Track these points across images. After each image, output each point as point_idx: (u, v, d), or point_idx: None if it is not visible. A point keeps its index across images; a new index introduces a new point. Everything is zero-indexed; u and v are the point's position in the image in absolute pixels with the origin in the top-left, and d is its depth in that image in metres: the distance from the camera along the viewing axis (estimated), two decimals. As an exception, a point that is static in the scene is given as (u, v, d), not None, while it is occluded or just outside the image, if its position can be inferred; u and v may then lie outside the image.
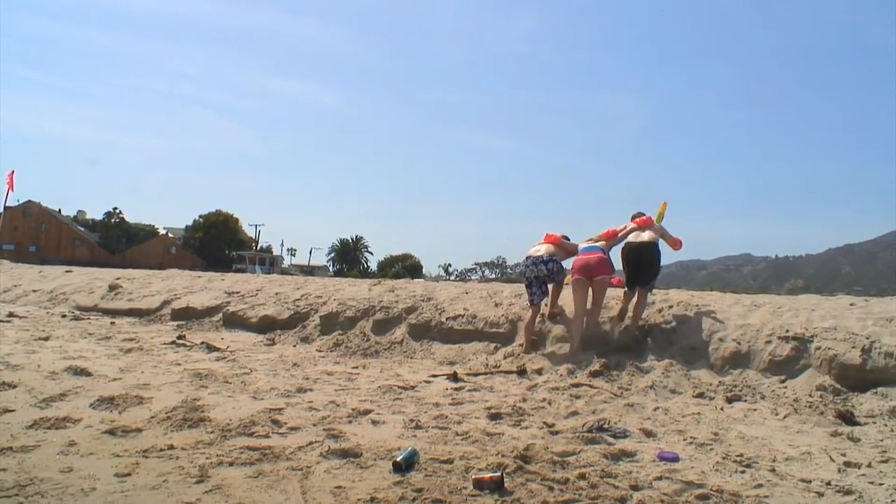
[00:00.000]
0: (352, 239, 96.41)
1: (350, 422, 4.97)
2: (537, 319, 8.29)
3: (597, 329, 7.95)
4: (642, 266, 7.99)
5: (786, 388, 6.30)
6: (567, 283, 8.43)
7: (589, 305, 7.95)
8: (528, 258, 8.44)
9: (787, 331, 6.92)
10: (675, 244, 8.32)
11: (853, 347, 6.39)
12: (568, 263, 8.38)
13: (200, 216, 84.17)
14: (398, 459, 3.84)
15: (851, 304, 7.86)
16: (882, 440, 4.86)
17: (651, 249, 8.03)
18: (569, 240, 8.61)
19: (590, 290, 7.94)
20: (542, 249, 8.40)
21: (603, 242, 8.30)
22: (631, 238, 8.16)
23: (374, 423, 4.98)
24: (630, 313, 8.01)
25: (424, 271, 76.30)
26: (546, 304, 8.47)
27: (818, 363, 6.44)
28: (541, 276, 8.23)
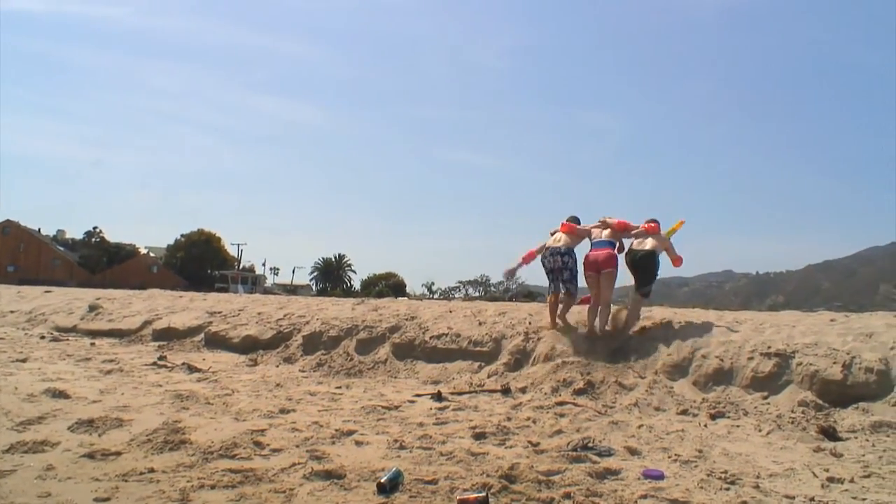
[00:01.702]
0: (335, 257, 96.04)
1: (333, 443, 4.93)
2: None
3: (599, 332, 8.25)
4: (639, 271, 8.39)
5: (768, 404, 6.32)
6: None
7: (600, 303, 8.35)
8: (547, 249, 8.83)
9: (769, 347, 6.96)
10: (676, 261, 8.62)
11: (834, 363, 6.43)
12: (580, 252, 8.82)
13: (182, 235, 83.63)
14: (382, 480, 3.81)
15: (832, 320, 7.92)
16: (864, 455, 4.89)
17: (649, 257, 8.34)
18: (579, 222, 9.05)
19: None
20: (561, 241, 8.82)
21: (609, 232, 8.67)
22: (634, 244, 8.52)
23: (358, 443, 4.94)
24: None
25: (408, 290, 76.08)
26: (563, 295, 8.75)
27: (800, 379, 6.47)
28: (556, 267, 8.66)
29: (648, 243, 8.38)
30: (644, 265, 8.34)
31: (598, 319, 8.29)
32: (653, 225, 8.56)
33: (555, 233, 9.02)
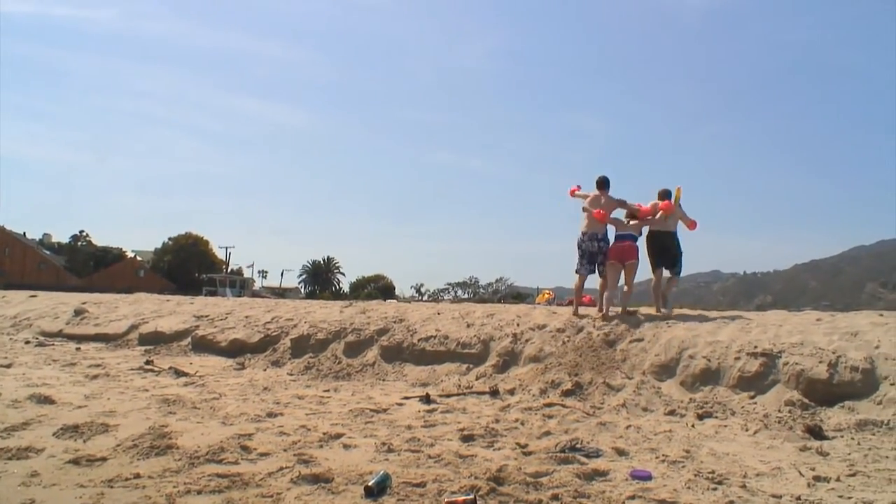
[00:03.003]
0: (323, 260, 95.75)
1: (321, 446, 4.91)
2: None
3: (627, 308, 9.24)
4: (665, 252, 9.37)
5: (755, 403, 6.35)
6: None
7: (625, 287, 9.42)
8: (584, 234, 9.50)
9: (756, 347, 7.00)
10: (691, 225, 9.50)
11: (820, 362, 6.47)
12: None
13: (170, 238, 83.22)
14: (370, 484, 3.80)
15: (818, 320, 7.97)
16: (850, 454, 4.91)
17: (671, 237, 9.40)
18: (608, 183, 9.67)
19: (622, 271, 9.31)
20: (601, 227, 9.53)
21: (636, 223, 9.52)
22: (656, 226, 9.42)
23: (346, 447, 4.93)
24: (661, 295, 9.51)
25: (397, 292, 75.86)
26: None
27: (786, 378, 6.51)
28: (593, 251, 9.42)
29: (669, 224, 9.35)
30: (668, 244, 9.34)
31: (610, 299, 9.34)
32: (668, 204, 9.33)
33: (591, 198, 9.60)
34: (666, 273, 9.49)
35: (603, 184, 9.63)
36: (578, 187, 10.07)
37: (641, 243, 9.46)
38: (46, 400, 6.28)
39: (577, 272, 9.51)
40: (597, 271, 9.43)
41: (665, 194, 9.47)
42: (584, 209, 9.52)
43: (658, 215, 9.30)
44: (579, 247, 9.46)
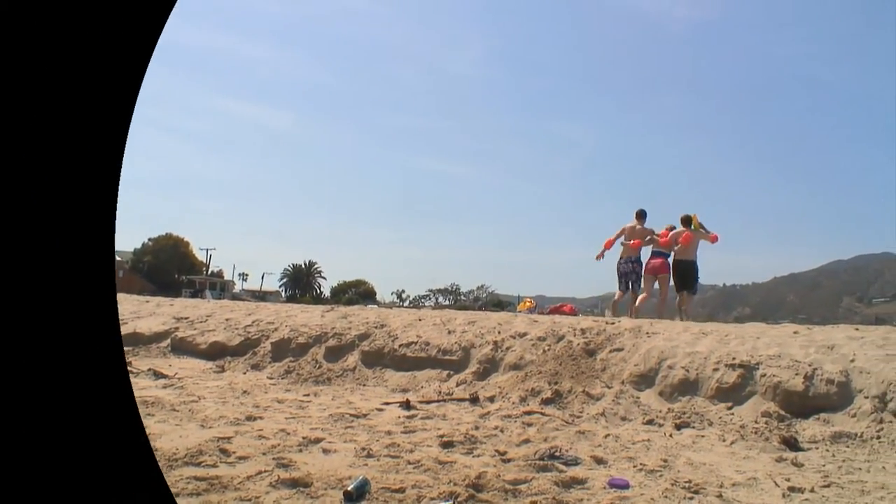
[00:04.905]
0: (305, 264, 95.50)
1: (300, 450, 4.90)
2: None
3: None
4: (686, 278, 11.73)
5: (732, 414, 6.41)
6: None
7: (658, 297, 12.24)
8: (621, 258, 12.08)
9: (734, 358, 7.06)
10: (713, 239, 11.76)
11: (796, 374, 6.53)
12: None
13: (150, 239, 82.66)
14: (349, 489, 3.80)
15: (795, 332, 8.05)
16: (824, 465, 4.97)
17: (692, 266, 11.71)
18: (646, 215, 12.21)
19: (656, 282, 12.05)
20: (633, 252, 12.04)
21: (664, 242, 11.87)
22: (679, 255, 11.68)
23: (325, 451, 4.92)
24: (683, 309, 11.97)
25: (378, 297, 75.75)
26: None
27: (763, 390, 6.57)
28: (627, 272, 11.92)
29: (689, 254, 11.51)
30: (689, 273, 11.64)
31: (659, 307, 12.17)
32: (688, 236, 11.40)
33: (625, 231, 12.12)
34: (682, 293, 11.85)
35: (640, 216, 12.13)
36: (609, 243, 12.24)
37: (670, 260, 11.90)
38: (23, 400, 6.21)
39: (619, 289, 12.07)
40: (630, 287, 11.88)
41: (686, 220, 11.55)
42: (623, 243, 11.97)
43: (678, 247, 11.49)
44: (617, 269, 12.03)
